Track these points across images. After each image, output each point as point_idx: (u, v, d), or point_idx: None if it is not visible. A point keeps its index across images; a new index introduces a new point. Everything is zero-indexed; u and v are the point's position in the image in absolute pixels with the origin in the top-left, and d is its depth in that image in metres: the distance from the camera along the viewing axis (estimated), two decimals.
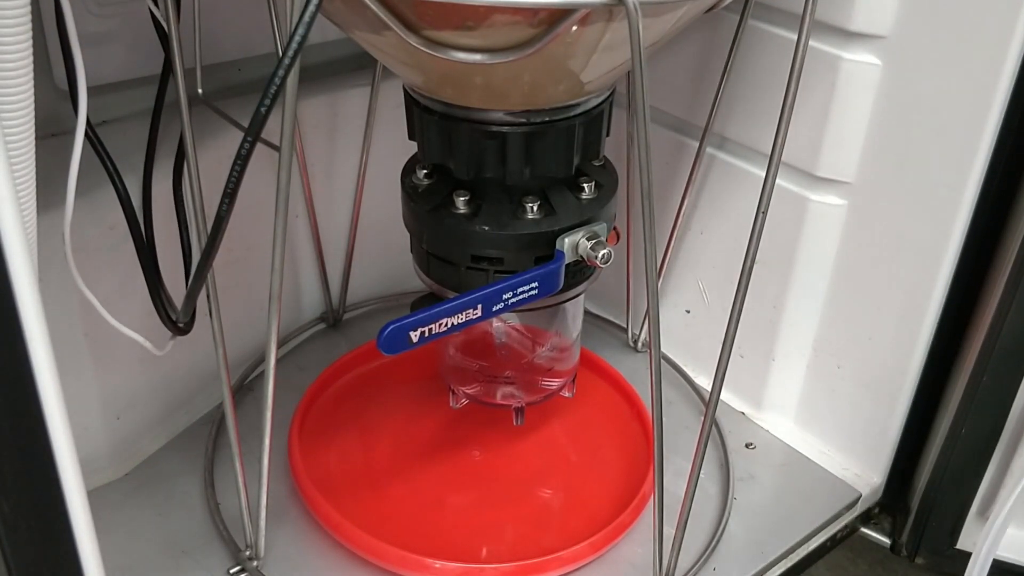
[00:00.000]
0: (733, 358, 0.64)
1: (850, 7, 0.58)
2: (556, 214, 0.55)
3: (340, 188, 0.79)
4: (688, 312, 0.78)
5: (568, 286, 0.56)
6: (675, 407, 0.76)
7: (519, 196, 0.55)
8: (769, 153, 0.49)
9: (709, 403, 0.54)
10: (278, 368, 0.51)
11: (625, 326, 0.83)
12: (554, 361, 0.67)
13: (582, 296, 0.62)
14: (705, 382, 0.78)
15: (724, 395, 0.75)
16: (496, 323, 0.66)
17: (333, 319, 0.84)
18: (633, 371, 0.77)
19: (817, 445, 0.73)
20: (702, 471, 0.58)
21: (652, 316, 0.50)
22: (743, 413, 0.77)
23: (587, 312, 0.86)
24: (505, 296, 0.52)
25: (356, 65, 0.77)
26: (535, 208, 0.55)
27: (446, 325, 0.50)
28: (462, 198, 0.55)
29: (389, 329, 0.48)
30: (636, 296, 0.81)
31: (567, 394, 0.69)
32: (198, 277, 0.46)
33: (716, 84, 0.66)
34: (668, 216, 0.74)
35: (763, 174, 0.49)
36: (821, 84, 0.61)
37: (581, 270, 0.57)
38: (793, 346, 0.72)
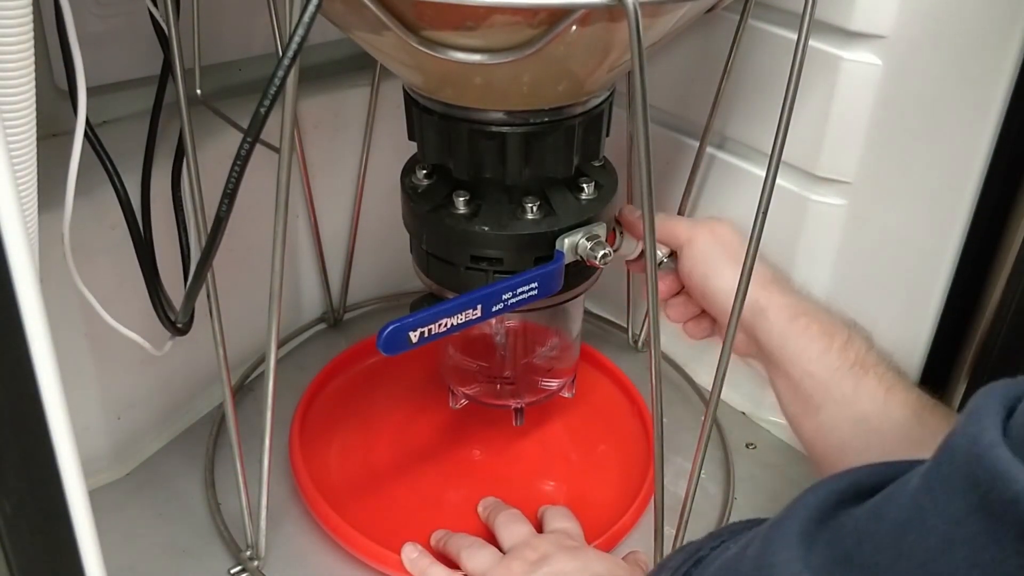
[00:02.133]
0: (734, 358, 0.64)
1: (850, 7, 0.58)
2: (556, 214, 0.55)
3: (341, 188, 0.79)
4: None
5: (568, 286, 0.56)
6: (676, 407, 0.76)
7: (519, 196, 0.55)
8: (769, 153, 0.49)
9: (710, 403, 0.54)
10: (279, 368, 0.51)
11: (626, 326, 0.83)
12: (554, 361, 0.67)
13: (582, 297, 0.62)
14: (706, 382, 0.78)
15: (725, 395, 0.75)
16: (495, 324, 0.66)
17: (334, 319, 0.84)
18: (634, 371, 0.77)
19: None
20: (703, 471, 0.58)
21: (652, 315, 0.50)
22: (744, 413, 0.77)
23: (588, 312, 0.86)
24: (505, 296, 0.52)
25: (356, 65, 0.77)
26: (535, 208, 0.55)
27: (446, 325, 0.50)
28: (462, 198, 0.55)
29: (389, 329, 0.48)
30: (636, 296, 0.81)
31: (567, 394, 0.69)
32: (197, 278, 0.46)
33: (716, 84, 0.66)
34: None
35: (763, 174, 0.49)
36: (821, 84, 0.60)
37: (581, 270, 0.57)
38: None
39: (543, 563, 0.55)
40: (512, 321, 0.66)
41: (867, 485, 0.29)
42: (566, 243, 0.54)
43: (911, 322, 0.64)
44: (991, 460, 0.21)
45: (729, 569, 0.34)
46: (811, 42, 0.47)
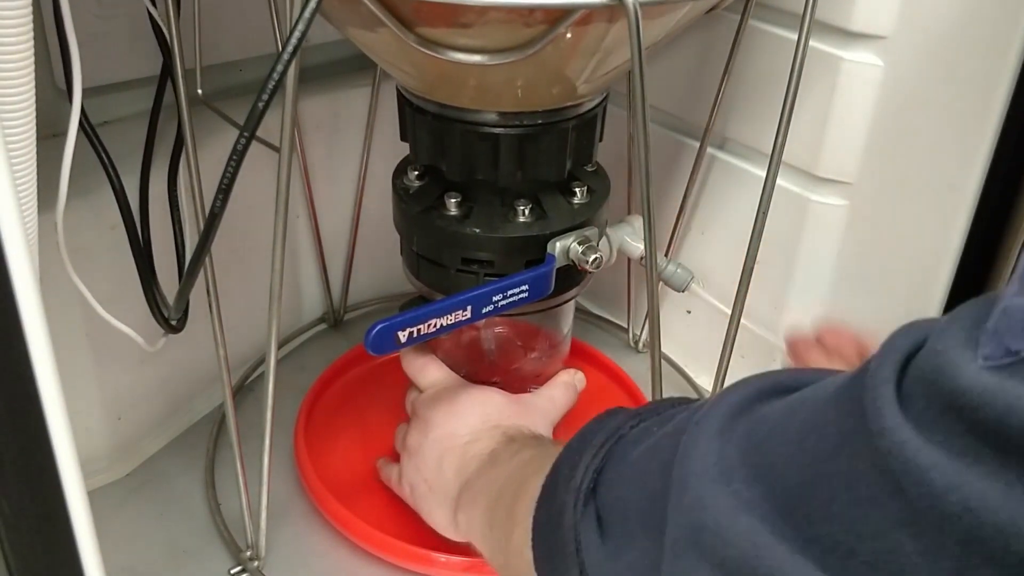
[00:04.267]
0: (734, 358, 0.64)
1: (851, 7, 0.57)
2: (548, 218, 0.55)
3: (341, 188, 0.79)
4: (689, 312, 0.78)
5: (559, 290, 0.56)
6: None
7: (511, 199, 0.55)
8: (770, 153, 0.49)
9: None
10: (279, 369, 0.51)
11: (626, 326, 0.83)
12: (543, 367, 0.67)
13: (572, 302, 0.61)
14: (706, 382, 0.78)
15: None
16: (484, 328, 0.65)
17: (334, 319, 0.84)
18: (634, 371, 0.76)
19: None
20: None
21: (652, 316, 0.50)
22: None
23: (588, 312, 0.86)
24: (495, 298, 0.52)
25: (358, 65, 0.77)
26: (527, 211, 0.54)
27: (435, 326, 0.50)
28: (453, 200, 0.54)
29: (377, 329, 0.48)
30: (637, 296, 0.81)
31: None
32: (191, 274, 0.46)
33: (717, 84, 0.66)
34: (669, 216, 0.74)
35: (764, 174, 0.49)
36: (822, 84, 0.60)
37: (572, 275, 0.57)
38: None
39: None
40: (501, 327, 0.65)
41: (788, 384, 0.32)
42: (557, 247, 0.54)
43: None
44: (872, 397, 0.26)
45: (653, 454, 0.35)
46: (812, 43, 0.47)
